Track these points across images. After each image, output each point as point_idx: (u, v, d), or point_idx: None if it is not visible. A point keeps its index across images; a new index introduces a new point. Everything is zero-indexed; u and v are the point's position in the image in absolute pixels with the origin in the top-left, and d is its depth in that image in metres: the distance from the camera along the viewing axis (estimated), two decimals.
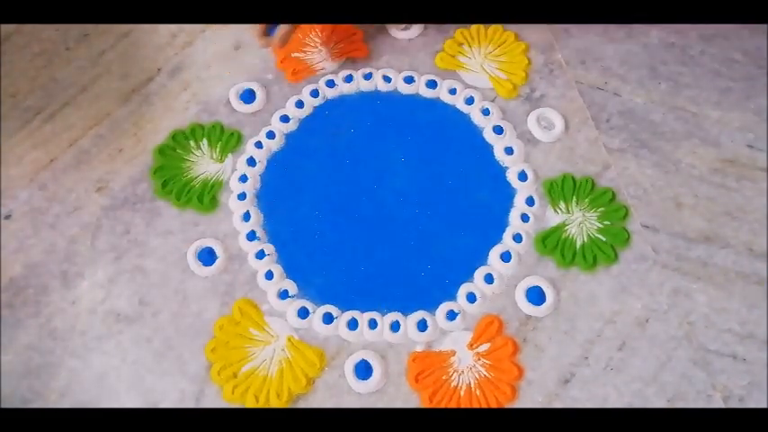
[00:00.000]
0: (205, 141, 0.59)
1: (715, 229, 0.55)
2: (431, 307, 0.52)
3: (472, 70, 0.62)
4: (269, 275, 0.53)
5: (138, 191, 0.57)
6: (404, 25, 0.64)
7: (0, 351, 0.50)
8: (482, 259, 0.54)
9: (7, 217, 0.56)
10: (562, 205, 0.56)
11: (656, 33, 0.64)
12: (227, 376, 0.50)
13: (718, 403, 0.48)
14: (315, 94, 0.61)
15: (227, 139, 0.59)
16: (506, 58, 0.62)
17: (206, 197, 0.56)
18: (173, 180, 0.57)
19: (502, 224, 0.55)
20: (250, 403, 0.49)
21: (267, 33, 0.58)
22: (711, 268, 0.53)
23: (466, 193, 0.57)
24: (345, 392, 0.49)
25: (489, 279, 0.53)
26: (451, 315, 0.52)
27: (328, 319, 0.51)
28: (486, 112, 0.60)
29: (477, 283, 0.53)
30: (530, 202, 0.56)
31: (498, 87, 0.61)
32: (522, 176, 0.57)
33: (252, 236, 0.55)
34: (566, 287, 0.53)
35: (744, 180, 0.57)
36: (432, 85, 0.61)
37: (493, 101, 0.61)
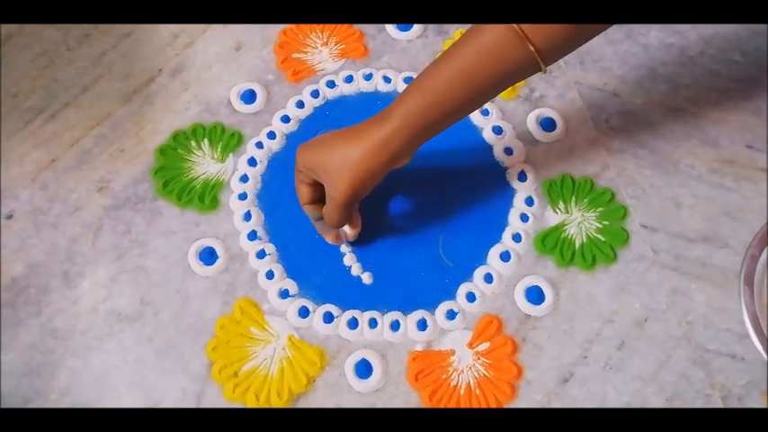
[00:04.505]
0: (206, 141, 0.59)
1: (714, 229, 0.55)
2: (430, 306, 0.52)
3: None
4: (270, 275, 0.53)
5: (140, 191, 0.57)
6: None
7: (1, 350, 0.50)
8: (481, 259, 0.54)
9: (9, 217, 0.56)
10: (561, 205, 0.56)
11: (655, 34, 0.64)
12: (228, 375, 0.50)
13: (716, 403, 0.49)
14: (315, 94, 0.62)
15: (227, 140, 0.59)
16: None
17: (207, 197, 0.56)
18: (174, 180, 0.57)
19: (501, 224, 0.55)
20: (251, 402, 0.49)
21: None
22: (710, 268, 0.53)
23: (465, 193, 0.57)
24: (345, 391, 0.50)
25: (489, 278, 0.53)
26: (451, 314, 0.52)
27: (329, 318, 0.52)
28: (485, 112, 0.60)
29: (476, 282, 0.53)
30: (529, 202, 0.56)
31: None
32: (522, 177, 0.57)
33: (253, 236, 0.55)
34: (565, 287, 0.53)
35: (743, 180, 0.57)
36: None
37: (492, 101, 0.61)
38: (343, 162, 0.47)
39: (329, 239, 0.54)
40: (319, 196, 0.51)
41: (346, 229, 0.53)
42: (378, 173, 0.47)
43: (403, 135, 0.46)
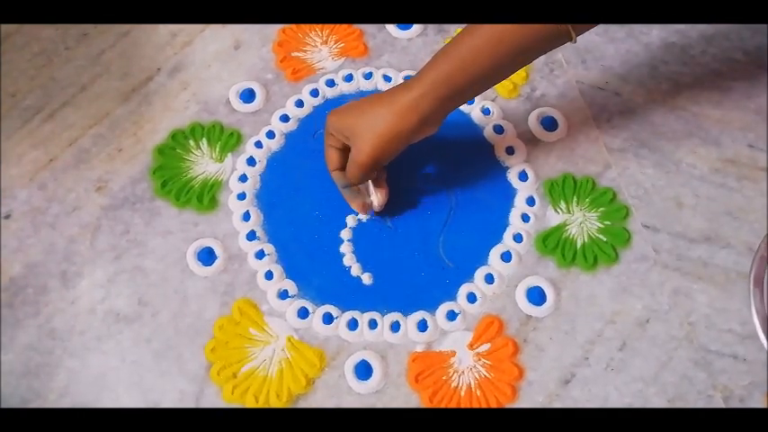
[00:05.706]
0: (205, 141, 0.59)
1: (716, 228, 0.55)
2: (431, 307, 0.52)
3: None
4: (269, 275, 0.53)
5: (138, 190, 0.57)
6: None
7: None
8: (482, 259, 0.54)
9: (7, 216, 0.55)
10: (563, 205, 0.56)
11: (656, 33, 0.64)
12: (227, 376, 0.49)
13: (718, 403, 0.48)
14: (315, 93, 0.61)
15: (226, 139, 0.59)
16: None
17: (206, 197, 0.56)
18: (172, 180, 0.57)
19: (502, 224, 0.55)
20: (250, 403, 0.49)
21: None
22: (712, 268, 0.53)
23: (466, 193, 0.57)
24: (345, 393, 0.49)
25: (490, 279, 0.53)
26: (452, 315, 0.52)
27: (328, 319, 0.51)
28: (486, 111, 0.60)
29: (477, 283, 0.53)
30: (530, 201, 0.56)
31: (499, 87, 0.61)
32: (523, 176, 0.57)
33: (251, 236, 0.55)
34: (566, 287, 0.53)
35: (744, 180, 0.56)
36: None
37: (493, 100, 0.61)
38: (372, 124, 0.48)
39: (356, 207, 0.54)
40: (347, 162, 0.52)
41: (373, 198, 0.54)
42: (404, 136, 0.48)
43: (430, 99, 0.47)
